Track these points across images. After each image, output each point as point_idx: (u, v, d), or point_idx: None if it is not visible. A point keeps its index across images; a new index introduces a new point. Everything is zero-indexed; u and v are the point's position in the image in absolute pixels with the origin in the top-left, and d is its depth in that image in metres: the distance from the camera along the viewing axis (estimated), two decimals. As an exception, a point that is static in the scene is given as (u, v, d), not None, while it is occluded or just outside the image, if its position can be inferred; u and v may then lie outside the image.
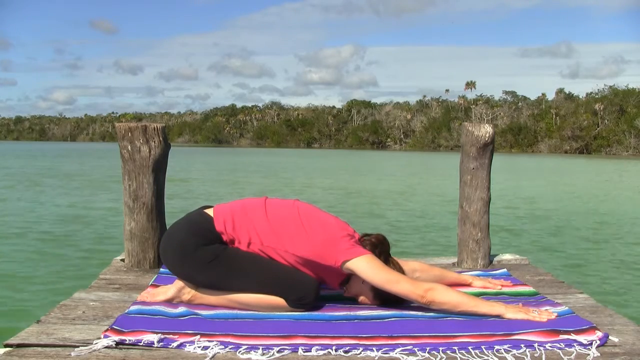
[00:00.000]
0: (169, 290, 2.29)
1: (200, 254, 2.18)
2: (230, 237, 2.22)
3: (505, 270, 2.91)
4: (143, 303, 2.24)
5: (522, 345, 1.80)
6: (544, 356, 1.74)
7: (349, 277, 2.25)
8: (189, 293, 2.26)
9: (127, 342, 1.81)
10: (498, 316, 2.10)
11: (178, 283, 2.29)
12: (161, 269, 2.80)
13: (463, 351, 1.77)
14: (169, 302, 2.26)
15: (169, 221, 3.13)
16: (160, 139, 2.91)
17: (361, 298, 2.27)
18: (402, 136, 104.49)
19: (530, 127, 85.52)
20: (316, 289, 2.20)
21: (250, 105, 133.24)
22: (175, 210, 11.44)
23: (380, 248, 2.26)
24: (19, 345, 1.79)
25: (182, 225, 2.29)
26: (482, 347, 1.80)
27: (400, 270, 2.29)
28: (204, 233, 2.21)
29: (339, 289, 2.32)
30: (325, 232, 2.20)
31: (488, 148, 3.05)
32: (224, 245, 2.21)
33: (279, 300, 2.16)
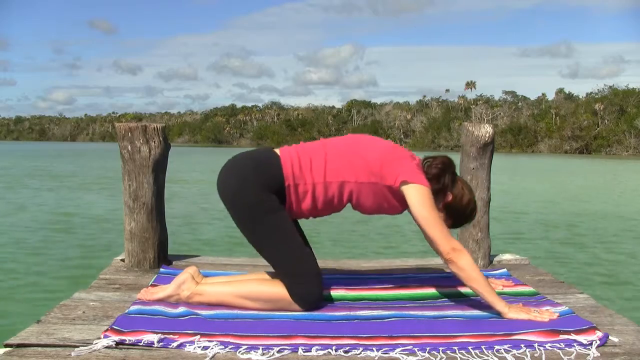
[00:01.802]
0: (168, 287, 2.29)
1: (257, 198, 2.17)
2: (295, 179, 2.20)
3: (505, 270, 2.91)
4: (143, 303, 2.24)
5: (522, 345, 1.81)
6: (544, 356, 1.74)
7: None
8: (188, 290, 2.25)
9: (127, 342, 1.81)
10: (499, 314, 2.11)
11: (177, 280, 2.29)
12: (161, 269, 2.80)
13: (463, 351, 1.77)
14: (168, 298, 2.26)
15: (169, 221, 3.14)
16: (160, 139, 2.91)
17: None
18: (402, 136, 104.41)
19: (530, 127, 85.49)
20: (319, 289, 2.20)
21: (250, 105, 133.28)
22: (174, 211, 11.44)
23: (448, 171, 2.30)
24: (19, 345, 1.79)
25: (249, 160, 2.26)
26: (482, 347, 1.80)
27: (466, 192, 2.35)
28: (271, 174, 2.20)
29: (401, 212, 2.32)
30: (384, 153, 2.22)
31: (488, 148, 3.05)
32: (281, 206, 2.20)
33: (281, 294, 2.15)
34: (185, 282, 2.28)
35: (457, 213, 2.37)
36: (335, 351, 1.77)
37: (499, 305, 2.10)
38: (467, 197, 2.36)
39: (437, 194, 2.26)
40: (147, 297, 2.29)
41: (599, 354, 1.76)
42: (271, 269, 2.31)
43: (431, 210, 2.15)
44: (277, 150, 2.29)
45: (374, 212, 2.33)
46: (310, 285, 2.18)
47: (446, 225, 2.25)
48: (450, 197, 2.33)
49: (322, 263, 2.41)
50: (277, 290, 2.17)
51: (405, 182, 2.16)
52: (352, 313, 2.15)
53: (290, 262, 2.18)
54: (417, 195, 2.15)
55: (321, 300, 2.22)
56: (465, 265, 2.10)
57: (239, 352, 1.75)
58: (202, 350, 1.77)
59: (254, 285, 2.23)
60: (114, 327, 1.92)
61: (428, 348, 1.78)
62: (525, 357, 1.74)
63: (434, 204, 2.17)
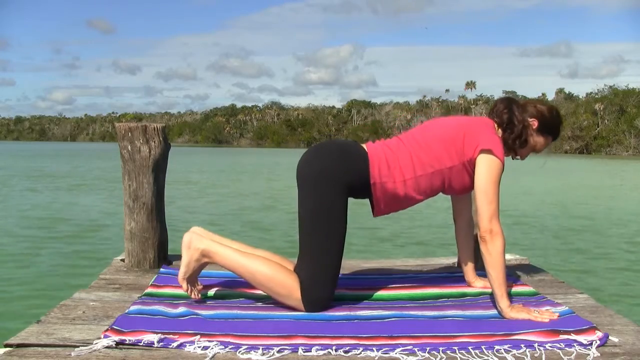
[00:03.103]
0: (183, 257, 2.27)
1: (333, 193, 2.16)
2: (382, 177, 2.20)
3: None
4: (143, 303, 2.24)
5: (522, 345, 1.80)
6: (544, 356, 1.74)
7: None
8: (200, 243, 2.24)
9: (127, 342, 1.81)
10: (499, 314, 2.11)
11: (184, 242, 2.27)
12: (161, 269, 2.80)
13: (463, 351, 1.77)
14: (188, 265, 2.25)
15: (169, 221, 3.14)
16: (160, 139, 2.92)
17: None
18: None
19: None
20: (330, 300, 2.20)
21: (250, 105, 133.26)
22: (174, 210, 11.44)
23: (513, 106, 2.36)
24: (19, 345, 1.79)
25: (339, 151, 2.24)
26: (482, 347, 1.80)
27: (542, 107, 2.38)
28: (356, 168, 2.20)
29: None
30: (461, 129, 2.25)
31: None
32: (346, 206, 2.20)
33: (293, 288, 2.13)
34: (192, 241, 2.26)
35: (550, 127, 2.40)
36: (335, 351, 1.77)
37: (503, 302, 2.10)
38: (546, 110, 2.39)
39: (522, 131, 2.32)
40: (181, 283, 2.28)
41: (599, 354, 1.76)
42: (281, 257, 2.32)
43: (493, 184, 2.16)
44: (365, 146, 2.29)
45: (466, 192, 2.36)
46: (325, 293, 2.17)
47: (548, 140, 2.38)
48: (535, 123, 2.35)
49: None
50: (290, 282, 2.15)
51: (483, 151, 2.19)
52: (352, 313, 2.15)
53: (324, 265, 2.16)
54: (488, 165, 2.17)
55: (326, 309, 2.19)
56: (494, 250, 2.11)
57: (239, 352, 1.75)
58: (202, 350, 1.77)
59: (269, 266, 2.19)
60: (114, 327, 1.92)
61: (428, 348, 1.78)
62: (525, 357, 1.73)
63: (499, 180, 2.19)
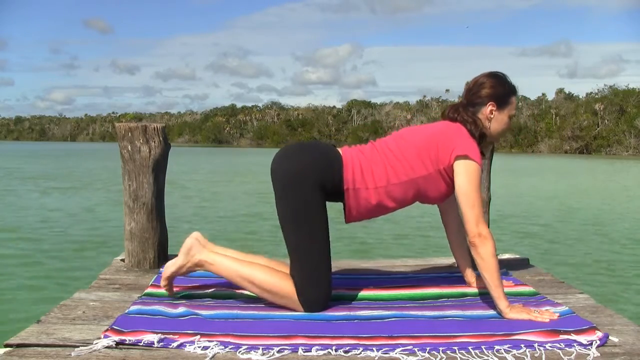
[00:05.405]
0: (177, 258, 2.30)
1: (310, 190, 2.15)
2: (355, 183, 2.19)
3: (505, 270, 2.91)
4: (143, 303, 2.24)
5: (522, 345, 1.81)
6: (544, 356, 1.74)
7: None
8: (198, 253, 2.26)
9: (127, 342, 1.81)
10: (499, 314, 2.11)
11: (184, 248, 2.29)
12: (161, 269, 2.80)
13: (463, 351, 1.77)
14: (180, 269, 2.29)
15: (169, 221, 3.14)
16: (160, 139, 2.92)
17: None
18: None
19: (530, 127, 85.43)
20: (327, 299, 2.20)
21: (250, 105, 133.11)
22: (175, 210, 11.44)
23: (462, 110, 2.31)
24: (19, 345, 1.79)
25: (314, 152, 2.24)
26: (482, 347, 1.80)
27: (483, 81, 2.32)
28: (331, 173, 2.18)
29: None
30: (435, 137, 2.23)
31: (488, 148, 3.05)
32: (325, 207, 2.19)
33: (289, 290, 2.14)
34: (192, 248, 2.28)
35: (502, 97, 2.32)
36: (335, 351, 1.77)
37: (502, 303, 2.10)
38: (485, 83, 2.32)
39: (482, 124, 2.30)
40: (164, 276, 2.31)
41: (599, 354, 1.76)
42: (278, 262, 2.32)
43: (474, 189, 2.15)
44: (340, 151, 2.28)
45: (442, 200, 2.34)
46: (321, 292, 2.17)
47: (512, 108, 2.33)
48: (488, 109, 2.31)
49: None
50: (286, 285, 2.16)
51: (459, 157, 2.18)
52: (352, 313, 2.15)
53: (312, 265, 2.16)
54: (466, 170, 2.16)
55: (325, 308, 2.20)
56: (485, 254, 2.10)
57: (239, 352, 1.75)
58: (202, 350, 1.77)
59: (265, 272, 2.20)
60: (114, 327, 1.92)
61: (428, 348, 1.78)
62: (525, 357, 1.74)
63: (479, 184, 2.18)
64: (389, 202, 2.25)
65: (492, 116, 2.32)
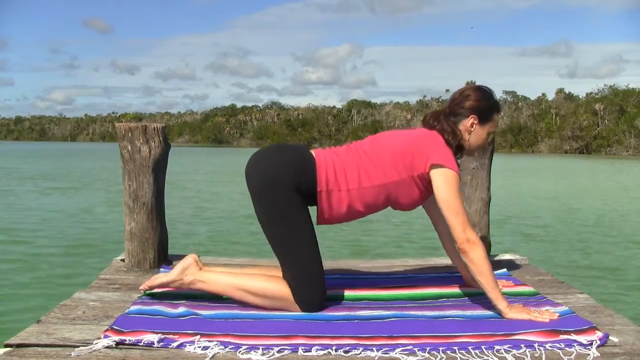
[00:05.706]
0: (172, 272, 2.29)
1: (287, 193, 2.14)
2: (329, 185, 2.18)
3: (505, 270, 2.91)
4: (143, 303, 2.24)
5: (522, 345, 1.81)
6: (544, 356, 1.74)
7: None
8: (191, 275, 2.25)
9: (127, 342, 1.81)
10: (499, 314, 2.11)
11: (181, 265, 2.29)
12: (161, 269, 2.80)
13: (463, 351, 1.77)
14: (171, 283, 2.27)
15: (169, 221, 3.14)
16: (161, 139, 2.92)
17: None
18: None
19: (531, 127, 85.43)
20: (323, 295, 2.20)
21: (250, 105, 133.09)
22: (175, 210, 11.44)
23: (441, 119, 2.29)
24: (19, 345, 1.79)
25: (287, 155, 2.22)
26: (482, 347, 1.80)
27: (468, 95, 2.30)
28: (305, 176, 2.17)
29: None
30: (411, 144, 2.22)
31: (488, 148, 3.06)
32: (305, 207, 2.19)
33: (284, 293, 2.15)
34: (189, 268, 2.28)
35: (485, 112, 2.30)
36: (335, 351, 1.77)
37: (501, 304, 2.10)
38: (471, 95, 2.30)
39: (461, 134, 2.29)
40: (150, 283, 2.30)
41: (599, 354, 1.76)
42: (276, 268, 2.31)
43: (455, 196, 2.14)
44: (313, 153, 2.27)
45: (414, 206, 2.33)
46: (315, 290, 2.17)
47: (493, 125, 2.31)
48: (469, 121, 2.30)
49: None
50: (281, 289, 2.17)
51: (434, 166, 2.17)
52: (352, 313, 2.15)
53: (300, 264, 2.16)
54: (445, 179, 2.15)
55: (322, 306, 2.21)
56: (476, 259, 2.10)
57: (239, 352, 1.76)
58: (202, 350, 1.77)
59: (258, 280, 2.22)
60: (114, 327, 1.92)
61: (428, 348, 1.78)
62: (525, 357, 1.74)
63: (459, 191, 2.17)
64: (360, 206, 2.23)
65: (472, 129, 2.30)
